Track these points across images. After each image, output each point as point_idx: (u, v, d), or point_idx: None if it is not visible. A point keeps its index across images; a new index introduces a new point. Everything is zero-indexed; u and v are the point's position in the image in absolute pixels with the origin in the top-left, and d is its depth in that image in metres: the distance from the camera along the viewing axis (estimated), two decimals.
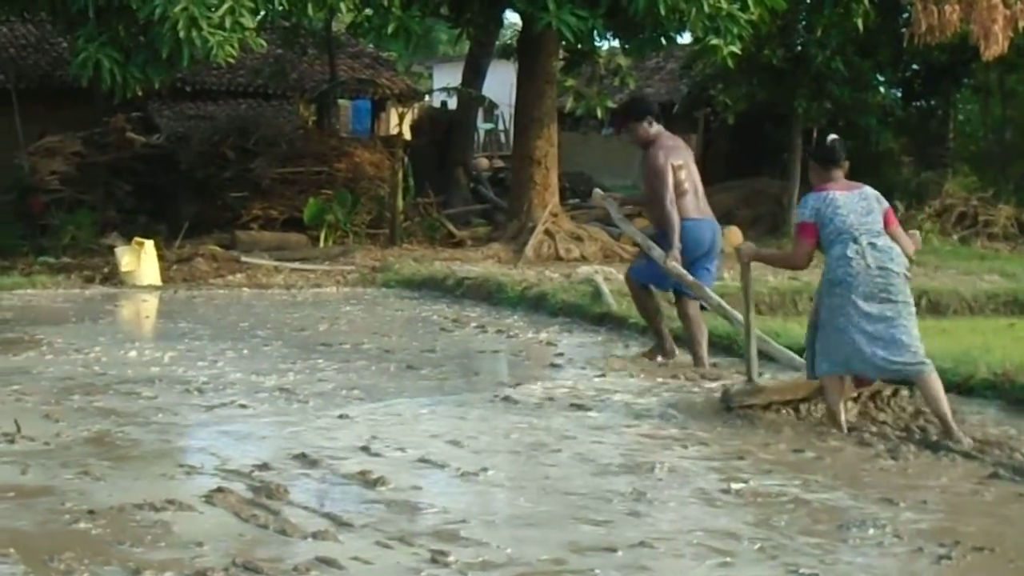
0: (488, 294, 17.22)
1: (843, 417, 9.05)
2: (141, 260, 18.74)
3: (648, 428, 9.18)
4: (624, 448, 8.54)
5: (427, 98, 38.11)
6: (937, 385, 8.89)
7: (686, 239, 11.34)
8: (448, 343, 13.54)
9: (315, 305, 16.91)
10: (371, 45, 32.40)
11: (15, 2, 21.00)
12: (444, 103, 31.98)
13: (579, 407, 9.87)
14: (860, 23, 23.04)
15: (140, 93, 19.58)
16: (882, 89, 29.00)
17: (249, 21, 18.15)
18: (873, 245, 8.88)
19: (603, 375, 11.27)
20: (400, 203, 24.60)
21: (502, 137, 41.76)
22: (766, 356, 10.91)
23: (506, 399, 10.17)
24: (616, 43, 23.24)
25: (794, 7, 22.27)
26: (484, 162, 34.18)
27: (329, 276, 19.78)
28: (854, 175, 9.50)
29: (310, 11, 19.39)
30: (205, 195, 25.81)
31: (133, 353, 12.40)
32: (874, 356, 8.84)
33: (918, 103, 32.62)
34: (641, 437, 8.91)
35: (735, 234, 22.14)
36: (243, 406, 9.83)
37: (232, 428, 9.15)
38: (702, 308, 11.76)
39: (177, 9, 17.54)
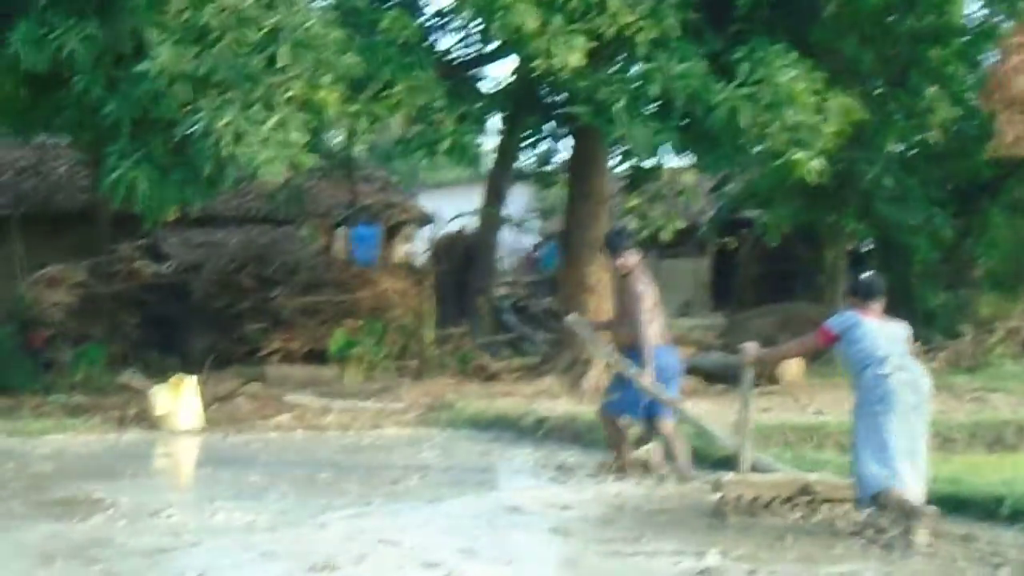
0: (575, 435, 15.31)
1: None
2: (179, 401, 16.84)
3: None
4: None
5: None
6: None
7: (658, 364, 12.11)
8: (583, 497, 11.58)
9: (387, 450, 15.04)
10: (380, 169, 30.99)
11: (34, 121, 19.18)
12: (462, 228, 30.34)
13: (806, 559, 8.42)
14: (939, 133, 21.52)
15: (178, 215, 17.73)
16: (931, 207, 27.33)
17: (299, 136, 16.42)
18: (901, 367, 9.50)
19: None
20: (430, 334, 22.83)
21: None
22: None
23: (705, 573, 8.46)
24: (675, 159, 21.57)
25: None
26: None
27: (383, 415, 17.91)
28: (892, 299, 10.10)
29: (362, 125, 17.72)
30: (219, 327, 23.99)
31: (220, 516, 10.52)
32: (902, 471, 9.36)
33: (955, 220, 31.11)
34: None
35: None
36: None
37: None
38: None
39: (222, 123, 15.82)
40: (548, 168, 25.73)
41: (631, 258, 12.56)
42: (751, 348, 10.59)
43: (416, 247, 37.98)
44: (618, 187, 24.89)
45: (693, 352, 22.45)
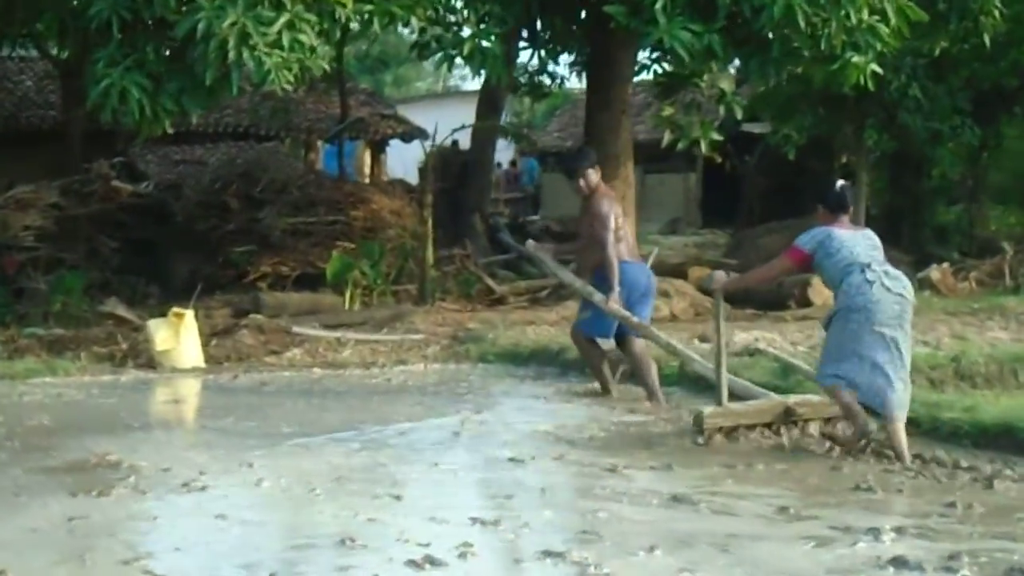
0: (634, 373, 13.66)
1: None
2: (180, 336, 15.11)
3: None
4: None
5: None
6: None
7: (624, 281, 12.01)
8: (680, 454, 9.87)
9: (424, 392, 13.34)
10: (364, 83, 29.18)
11: (10, 28, 17.22)
12: (455, 143, 28.47)
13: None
14: (988, 39, 19.85)
15: (170, 130, 15.91)
16: (956, 117, 25.67)
17: (311, 38, 14.64)
18: (887, 273, 9.32)
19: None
20: (430, 255, 21.12)
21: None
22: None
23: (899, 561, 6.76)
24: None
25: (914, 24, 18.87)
26: None
27: (403, 348, 16.23)
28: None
29: (376, 25, 15.94)
30: (202, 251, 22.20)
31: (266, 485, 8.77)
32: (875, 384, 9.28)
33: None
34: None
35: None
36: None
37: None
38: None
39: (226, 24, 14.03)
40: (546, 78, 24.20)
41: (592, 178, 12.38)
42: (719, 276, 10.44)
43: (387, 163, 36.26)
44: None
45: (707, 274, 20.96)
